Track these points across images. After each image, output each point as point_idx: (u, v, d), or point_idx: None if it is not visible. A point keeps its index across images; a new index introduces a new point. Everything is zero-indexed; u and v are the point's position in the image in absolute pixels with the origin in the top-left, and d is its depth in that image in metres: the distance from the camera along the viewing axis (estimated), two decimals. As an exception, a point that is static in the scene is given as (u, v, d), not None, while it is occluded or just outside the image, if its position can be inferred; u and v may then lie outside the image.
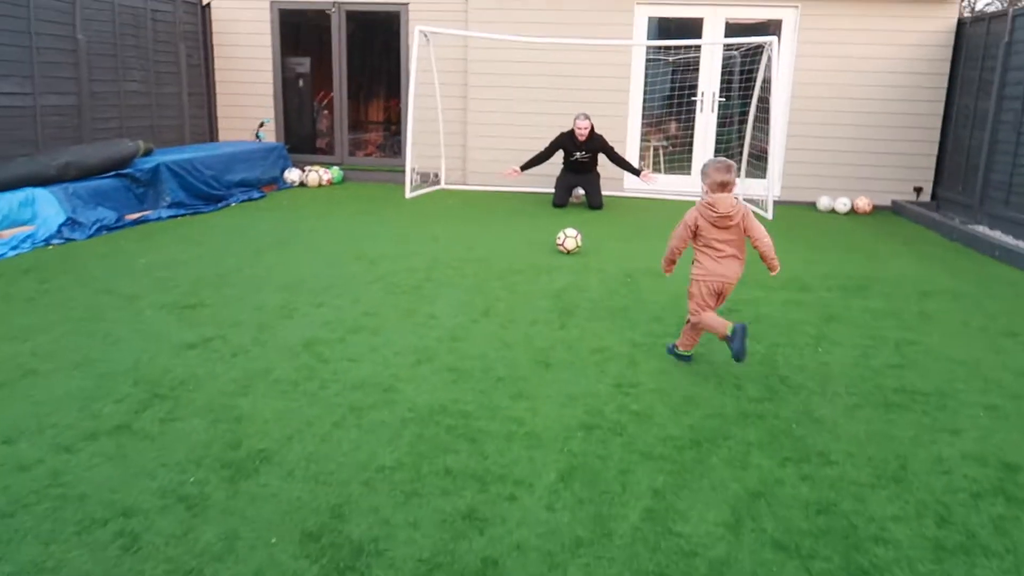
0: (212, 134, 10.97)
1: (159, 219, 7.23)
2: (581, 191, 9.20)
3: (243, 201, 8.49)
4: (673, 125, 10.35)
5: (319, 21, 10.62)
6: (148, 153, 7.84)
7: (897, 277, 5.94)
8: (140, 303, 4.66)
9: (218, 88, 10.92)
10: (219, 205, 8.08)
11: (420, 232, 7.06)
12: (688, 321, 3.94)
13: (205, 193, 8.00)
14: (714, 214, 3.74)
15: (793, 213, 8.94)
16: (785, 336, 4.40)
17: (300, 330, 4.26)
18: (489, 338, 4.29)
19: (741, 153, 9.65)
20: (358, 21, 10.65)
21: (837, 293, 5.37)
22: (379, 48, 10.94)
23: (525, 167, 9.04)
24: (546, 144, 9.03)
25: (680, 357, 3.98)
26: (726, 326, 3.70)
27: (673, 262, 3.99)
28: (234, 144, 9.76)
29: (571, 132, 8.82)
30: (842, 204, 9.34)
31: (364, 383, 3.56)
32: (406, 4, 10.25)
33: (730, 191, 3.78)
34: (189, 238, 6.58)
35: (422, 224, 7.48)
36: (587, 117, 8.68)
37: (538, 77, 10.00)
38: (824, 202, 9.47)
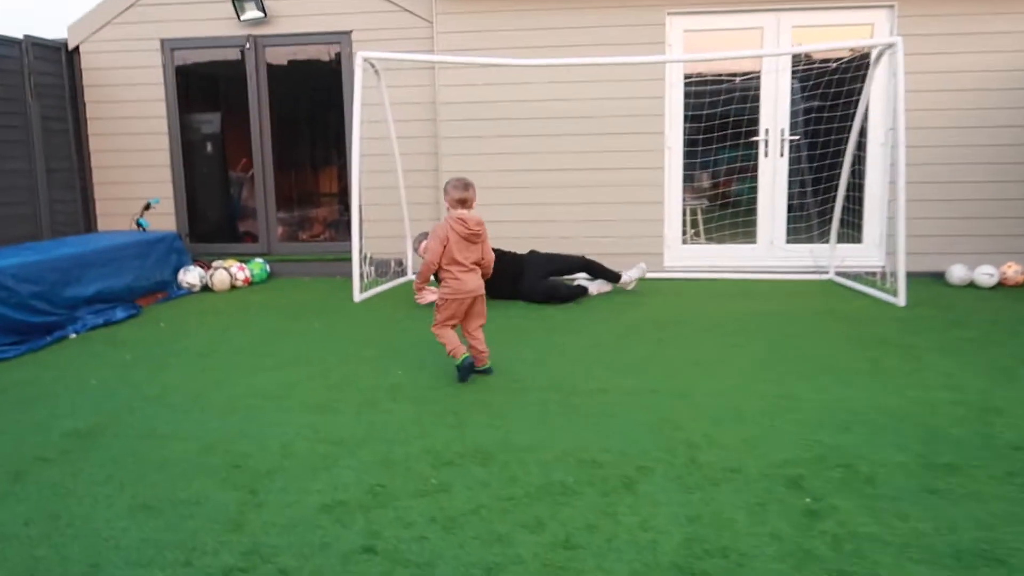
0: (87, 223, 7.95)
1: (-89, 381, 4.13)
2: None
3: (95, 327, 5.41)
4: (721, 177, 7.52)
5: (229, 64, 7.76)
6: (-91, 266, 4.80)
7: None
8: None
9: (93, 160, 7.94)
10: (47, 339, 5.01)
11: (369, 374, 4.06)
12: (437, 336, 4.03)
13: (18, 323, 4.92)
14: (467, 230, 4.01)
15: (916, 290, 6.02)
16: None
17: None
18: None
19: (821, 208, 6.81)
20: (283, 60, 7.80)
21: None
22: (318, 94, 8.07)
23: None
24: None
25: (462, 368, 3.97)
26: (461, 352, 3.97)
27: (428, 280, 4.18)
28: (97, 238, 6.72)
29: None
30: (985, 275, 6.46)
31: None
32: (347, 32, 7.43)
33: (470, 208, 4.11)
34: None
35: (376, 353, 4.47)
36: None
37: (536, 122, 7.16)
38: (958, 273, 6.59)
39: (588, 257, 6.38)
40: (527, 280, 6.08)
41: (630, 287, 6.39)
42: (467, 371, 3.97)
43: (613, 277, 6.34)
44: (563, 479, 2.82)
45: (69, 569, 2.27)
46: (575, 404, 3.64)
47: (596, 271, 6.34)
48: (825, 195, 7.04)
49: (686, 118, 7.14)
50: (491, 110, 7.18)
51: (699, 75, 7.17)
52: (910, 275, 5.94)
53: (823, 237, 7.05)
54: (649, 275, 7.00)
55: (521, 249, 6.40)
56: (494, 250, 6.42)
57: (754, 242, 7.26)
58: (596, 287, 6.30)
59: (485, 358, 4.12)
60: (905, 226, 5.89)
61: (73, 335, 5.20)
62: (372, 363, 4.38)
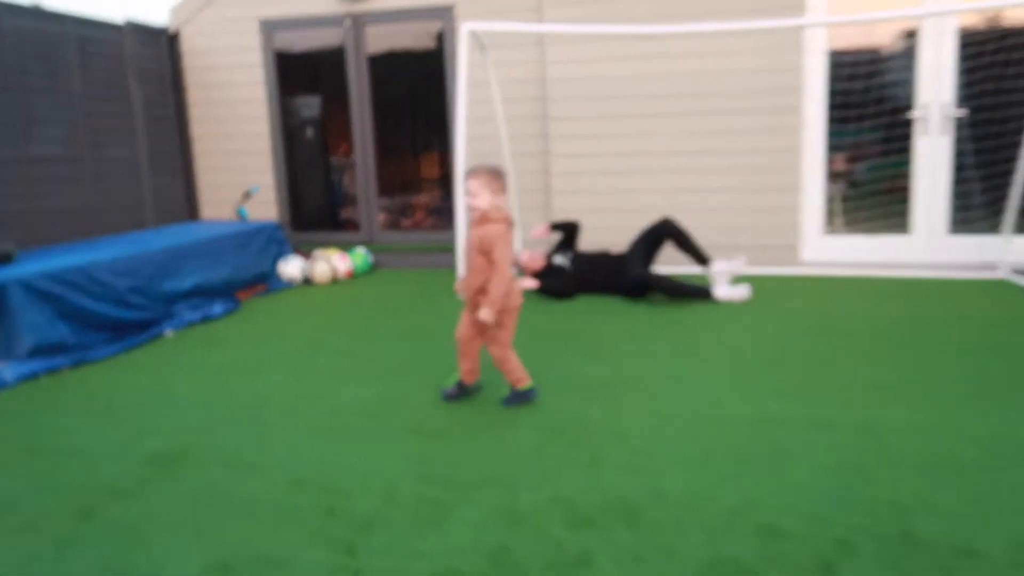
0: (192, 211, 7.79)
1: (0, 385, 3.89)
2: None
3: (190, 324, 5.12)
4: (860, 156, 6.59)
5: (328, 44, 7.39)
6: (3, 260, 4.58)
7: None
8: None
9: (195, 146, 7.76)
10: (142, 336, 4.72)
11: (481, 388, 3.51)
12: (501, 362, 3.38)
13: (113, 320, 4.66)
14: (509, 223, 3.31)
15: None
16: None
17: None
18: None
19: (992, 194, 5.80)
20: (383, 39, 7.35)
21: None
22: (419, 76, 7.61)
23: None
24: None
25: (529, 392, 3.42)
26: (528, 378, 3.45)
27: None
28: (196, 228, 6.47)
29: None
30: None
31: None
32: (450, 7, 6.90)
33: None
34: None
35: (487, 362, 3.93)
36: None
37: (653, 101, 6.44)
38: None
39: (675, 224, 5.64)
40: (626, 272, 5.46)
41: (722, 298, 5.26)
42: (532, 394, 3.47)
43: (701, 258, 5.58)
44: (737, 554, 2.18)
45: (126, 661, 1.82)
46: (734, 438, 2.98)
47: (682, 242, 5.58)
48: (999, 179, 6.02)
49: (827, 93, 6.25)
50: (604, 87, 6.51)
51: (843, 45, 6.25)
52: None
53: (995, 228, 6.04)
54: (783, 271, 6.19)
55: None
56: (600, 254, 5.79)
57: (909, 233, 6.31)
58: (726, 292, 5.27)
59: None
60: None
61: (169, 332, 4.90)
62: (487, 372, 3.84)
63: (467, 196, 3.24)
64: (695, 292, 5.28)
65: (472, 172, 3.24)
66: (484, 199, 3.21)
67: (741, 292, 5.30)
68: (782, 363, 3.91)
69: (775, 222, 6.36)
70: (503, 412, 3.36)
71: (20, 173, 5.85)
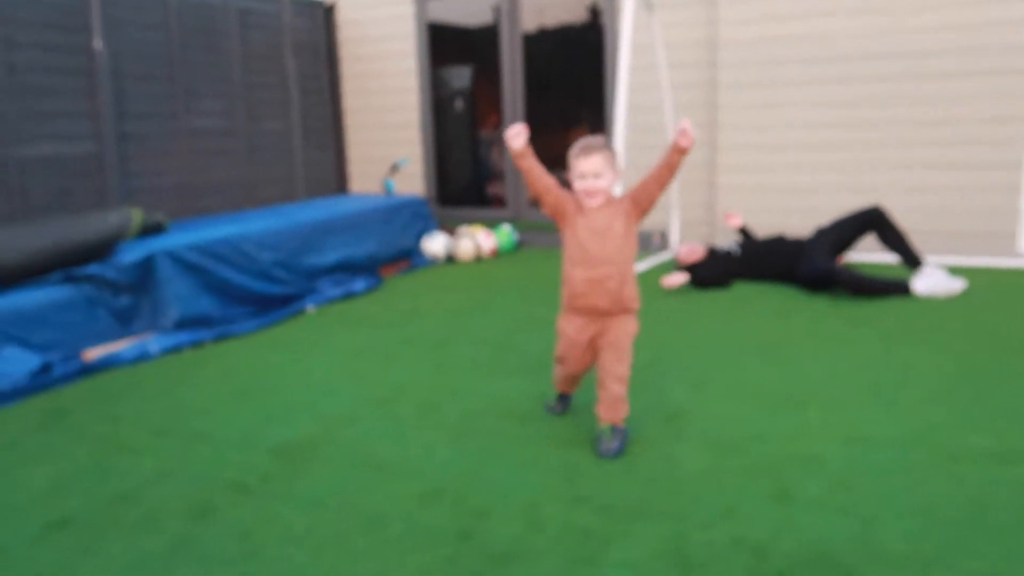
0: (340, 184, 7.77)
1: (144, 356, 3.84)
2: None
3: (333, 300, 4.97)
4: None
5: (480, 13, 7.05)
6: (155, 231, 4.58)
7: None
8: None
9: (347, 119, 7.71)
10: (284, 312, 4.61)
11: (636, 390, 3.03)
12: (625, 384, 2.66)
13: (256, 294, 4.57)
14: None
15: None
16: None
17: None
18: None
19: None
20: (538, 8, 6.92)
21: None
22: (574, 47, 7.13)
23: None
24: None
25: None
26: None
27: None
28: (342, 201, 6.36)
29: None
30: None
31: None
32: (612, -35, 6.37)
33: None
34: (107, 439, 3.08)
35: (645, 360, 3.45)
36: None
37: (843, 64, 5.63)
38: None
39: (887, 215, 4.79)
40: (805, 259, 4.72)
41: (924, 292, 4.48)
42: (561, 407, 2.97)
43: (912, 259, 4.69)
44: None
45: None
46: (965, 477, 2.35)
47: (890, 238, 4.73)
48: None
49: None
50: (785, 50, 5.77)
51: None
52: None
53: None
54: (1000, 264, 5.25)
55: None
56: (775, 239, 5.08)
57: None
58: (928, 285, 4.49)
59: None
60: None
61: (311, 308, 4.77)
62: (638, 373, 3.37)
63: (585, 179, 2.56)
64: (891, 287, 4.52)
65: (590, 148, 2.56)
66: (609, 179, 2.57)
67: (949, 283, 4.48)
68: (1016, 376, 3.17)
69: (990, 205, 5.40)
70: (664, 424, 2.88)
71: (180, 146, 5.95)
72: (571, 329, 2.68)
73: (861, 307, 4.36)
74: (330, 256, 5.22)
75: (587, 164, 2.55)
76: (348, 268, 5.36)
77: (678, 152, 2.54)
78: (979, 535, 2.04)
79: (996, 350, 3.53)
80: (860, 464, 2.47)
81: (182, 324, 4.10)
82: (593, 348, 2.68)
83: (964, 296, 4.49)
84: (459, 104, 7.63)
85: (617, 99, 5.13)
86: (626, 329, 2.64)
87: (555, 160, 7.78)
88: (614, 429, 2.62)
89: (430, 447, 2.72)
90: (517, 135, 2.61)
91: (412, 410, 3.08)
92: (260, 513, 2.30)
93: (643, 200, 2.61)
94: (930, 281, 4.52)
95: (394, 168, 7.06)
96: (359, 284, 5.21)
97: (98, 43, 5.26)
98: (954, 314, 4.15)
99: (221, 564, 2.03)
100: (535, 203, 3.60)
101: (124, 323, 3.99)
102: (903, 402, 2.96)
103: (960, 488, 2.29)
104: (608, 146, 2.60)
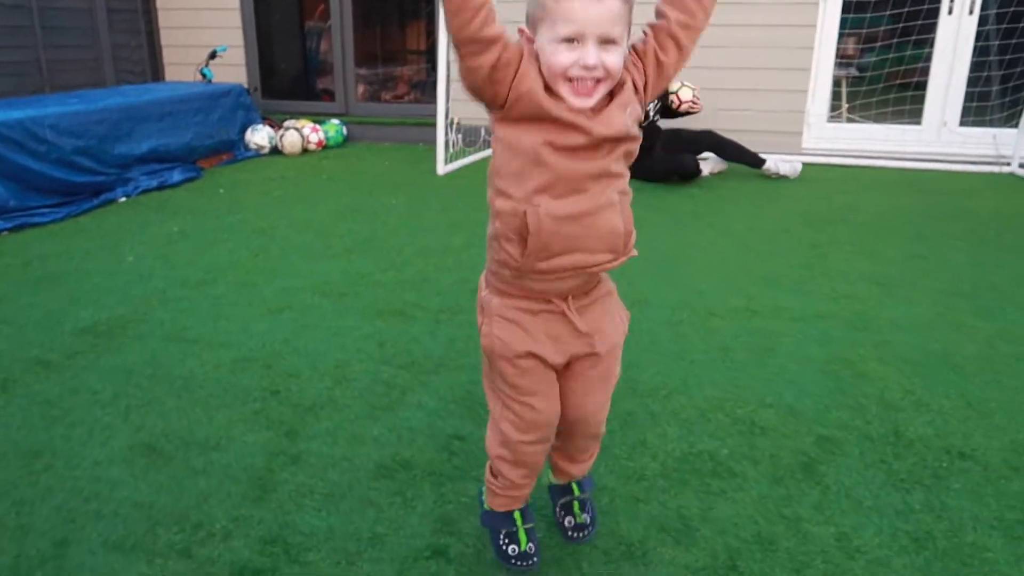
0: (155, 72, 7.27)
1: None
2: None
3: (148, 190, 4.78)
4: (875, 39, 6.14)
5: None
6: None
7: None
8: None
9: (160, 1, 7.15)
10: (93, 202, 4.40)
11: (453, 268, 3.26)
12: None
13: (60, 183, 4.32)
14: None
15: None
16: None
17: None
18: None
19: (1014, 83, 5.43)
20: None
21: None
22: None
23: None
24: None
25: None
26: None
27: None
28: (154, 88, 5.99)
29: None
30: None
31: None
32: None
33: None
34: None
35: (462, 242, 3.67)
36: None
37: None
38: None
39: (717, 132, 5.29)
40: (655, 153, 5.08)
41: (773, 177, 5.29)
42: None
43: (755, 161, 5.27)
44: (712, 449, 2.01)
45: (26, 546, 1.64)
46: (716, 329, 2.77)
47: (730, 152, 5.26)
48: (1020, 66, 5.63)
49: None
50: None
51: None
52: None
53: (1011, 120, 5.70)
54: (786, 158, 5.87)
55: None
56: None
57: (919, 123, 5.96)
58: (709, 166, 5.33)
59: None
60: None
61: (123, 199, 4.59)
62: (456, 254, 3.59)
63: (586, 45, 1.24)
64: (748, 156, 5.26)
65: None
66: (622, 52, 1.30)
67: (792, 164, 5.28)
68: (776, 253, 3.67)
69: (780, 106, 5.97)
70: (470, 296, 3.13)
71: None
72: (533, 343, 1.42)
73: (662, 196, 4.79)
74: (143, 145, 4.98)
75: (596, 10, 1.21)
76: (164, 159, 5.14)
77: None
78: (718, 371, 2.45)
79: (770, 232, 4.04)
80: (633, 322, 2.83)
81: (-27, 214, 3.84)
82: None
83: (752, 187, 5.03)
84: (282, -11, 7.27)
85: (440, -11, 5.13)
86: (619, 340, 1.62)
87: (387, 56, 7.64)
88: (581, 485, 1.68)
89: (245, 322, 2.82)
90: None
91: (229, 290, 3.14)
92: (65, 385, 2.33)
93: (681, 37, 1.36)
94: (778, 159, 5.29)
95: (212, 55, 6.70)
96: (176, 175, 5.04)
97: None
98: (740, 202, 4.67)
99: (22, 433, 2.07)
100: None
101: (-97, 212, 3.68)
102: (682, 273, 3.38)
103: (712, 337, 2.71)
104: None
